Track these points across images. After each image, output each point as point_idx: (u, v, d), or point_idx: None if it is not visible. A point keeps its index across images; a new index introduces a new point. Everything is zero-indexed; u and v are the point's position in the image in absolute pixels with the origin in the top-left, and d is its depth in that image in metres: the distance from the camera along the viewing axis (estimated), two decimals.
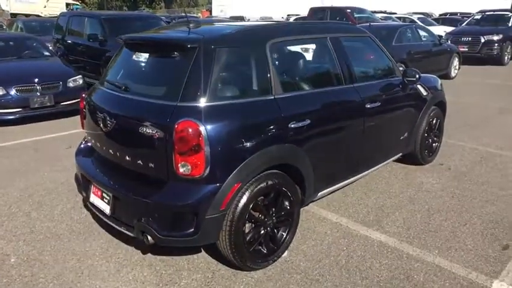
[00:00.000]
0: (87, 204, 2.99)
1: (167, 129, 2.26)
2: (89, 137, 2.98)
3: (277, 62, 2.71)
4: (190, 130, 2.22)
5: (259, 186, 2.48)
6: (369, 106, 3.28)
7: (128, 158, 2.51)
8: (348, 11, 12.91)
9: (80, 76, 6.95)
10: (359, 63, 3.40)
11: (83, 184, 2.95)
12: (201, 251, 2.88)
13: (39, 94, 6.25)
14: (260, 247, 2.63)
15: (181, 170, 2.26)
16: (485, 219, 3.32)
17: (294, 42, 3.00)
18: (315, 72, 3.13)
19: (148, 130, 2.34)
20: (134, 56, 2.81)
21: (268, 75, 2.61)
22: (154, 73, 2.70)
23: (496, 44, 12.43)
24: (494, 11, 14.08)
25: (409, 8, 25.72)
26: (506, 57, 12.75)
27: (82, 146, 3.19)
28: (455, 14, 23.67)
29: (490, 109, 7.20)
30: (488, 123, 6.29)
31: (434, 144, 4.54)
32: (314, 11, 13.83)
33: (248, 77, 2.58)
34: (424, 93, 4.08)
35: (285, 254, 2.82)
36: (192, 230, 2.32)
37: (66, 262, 2.78)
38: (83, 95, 3.11)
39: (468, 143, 5.25)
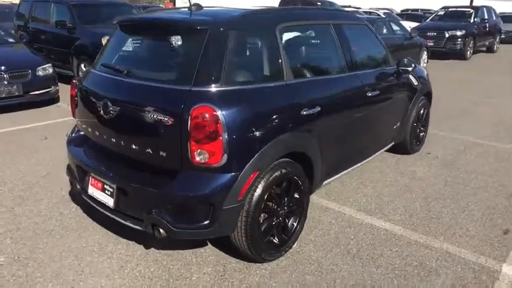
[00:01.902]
0: (83, 197, 2.77)
1: (181, 115, 2.12)
2: (84, 126, 2.76)
3: (286, 47, 2.62)
4: (207, 116, 2.09)
5: (274, 175, 2.39)
6: (370, 94, 3.27)
7: (134, 147, 2.33)
8: (319, 3, 12.98)
9: (50, 65, 6.54)
10: (359, 51, 3.37)
11: (78, 176, 2.74)
12: (207, 244, 2.76)
13: (6, 83, 5.82)
14: (272, 238, 2.55)
15: (197, 158, 2.13)
16: (481, 205, 3.40)
17: (301, 28, 2.91)
18: (322, 59, 3.07)
19: (158, 117, 2.18)
20: (135, 39, 2.63)
21: (280, 60, 2.52)
22: (160, 56, 2.54)
23: (459, 39, 12.95)
24: (456, 7, 14.66)
25: (370, 3, 26.20)
26: (468, 52, 13.31)
27: (74, 135, 2.96)
28: (416, 10, 24.44)
29: (462, 101, 7.46)
30: (464, 114, 6.51)
31: (421, 134, 4.63)
32: (285, 3, 13.79)
33: (260, 61, 2.48)
34: (415, 83, 4.14)
35: (295, 244, 2.76)
36: (208, 221, 2.20)
37: (63, 260, 2.58)
38: (74, 81, 2.88)
39: (449, 133, 5.40)
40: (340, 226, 3.04)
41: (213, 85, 2.18)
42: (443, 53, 13.10)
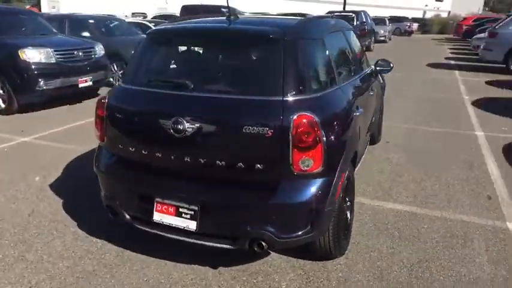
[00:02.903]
0: (136, 227, 2.52)
1: (281, 125, 2.13)
2: (130, 148, 2.47)
3: (332, 54, 2.79)
4: (308, 123, 2.15)
5: (346, 175, 2.54)
6: (371, 93, 3.64)
7: (220, 163, 2.23)
8: (222, 9, 13.21)
9: None
10: (358, 54, 3.72)
11: (131, 203, 2.48)
12: (270, 253, 2.76)
13: None
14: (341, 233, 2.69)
15: (301, 166, 2.16)
16: (457, 179, 4.05)
17: (333, 35, 3.07)
18: (347, 63, 3.29)
19: (253, 129, 2.14)
20: (185, 50, 2.49)
21: (332, 65, 2.68)
22: (231, 68, 2.47)
23: None
24: (340, 12, 16.44)
25: (252, 7, 27.54)
26: None
27: (107, 160, 2.65)
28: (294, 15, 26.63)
29: None
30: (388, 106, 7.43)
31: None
32: (186, 9, 13.72)
33: (322, 67, 2.60)
34: (381, 81, 4.67)
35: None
36: (310, 226, 2.26)
37: None
38: (103, 101, 2.58)
39: (388, 122, 6.14)
40: (369, 215, 3.33)
41: (303, 93, 2.24)
42: None
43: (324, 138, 2.20)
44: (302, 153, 2.16)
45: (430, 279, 2.53)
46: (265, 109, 2.19)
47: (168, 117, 2.28)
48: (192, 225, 2.31)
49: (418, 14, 34.05)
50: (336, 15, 16.05)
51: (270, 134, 2.14)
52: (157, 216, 2.40)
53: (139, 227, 2.51)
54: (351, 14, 15.83)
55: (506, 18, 11.41)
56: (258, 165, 2.20)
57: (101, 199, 2.74)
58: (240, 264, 2.65)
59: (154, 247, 2.75)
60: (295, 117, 2.13)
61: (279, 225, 2.21)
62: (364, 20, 15.87)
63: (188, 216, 2.32)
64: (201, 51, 2.56)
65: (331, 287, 2.45)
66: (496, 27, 11.18)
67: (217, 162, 2.25)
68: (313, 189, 2.22)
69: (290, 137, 2.13)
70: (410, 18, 26.56)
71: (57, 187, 3.78)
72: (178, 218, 2.35)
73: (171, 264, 2.65)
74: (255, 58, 2.39)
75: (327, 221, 2.34)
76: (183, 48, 2.62)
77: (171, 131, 2.28)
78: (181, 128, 2.25)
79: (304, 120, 2.15)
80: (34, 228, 3.08)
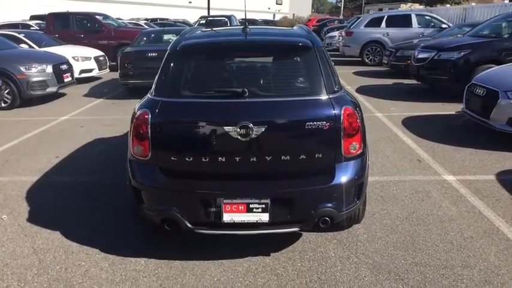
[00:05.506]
0: (197, 232, 2.63)
1: (334, 117, 2.56)
2: (187, 158, 2.55)
3: None
4: (352, 114, 2.63)
5: None
6: None
7: (284, 158, 2.54)
8: (97, 17, 12.46)
9: None
10: None
11: (200, 210, 2.58)
12: (301, 234, 3.16)
13: None
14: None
15: (351, 150, 2.64)
16: (390, 151, 5.05)
17: None
18: None
19: (313, 124, 2.52)
20: (233, 62, 2.69)
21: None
22: (276, 74, 2.74)
23: None
24: (214, 16, 17.06)
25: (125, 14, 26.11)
26: None
27: (157, 173, 2.63)
28: (164, 19, 26.38)
29: None
30: None
31: None
32: (55, 17, 12.48)
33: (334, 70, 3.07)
34: None
35: None
36: (356, 198, 2.76)
37: None
38: (146, 117, 2.58)
39: None
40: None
41: (338, 91, 2.71)
42: None
43: (361, 126, 2.73)
44: (350, 140, 2.64)
45: (425, 224, 3.30)
46: (319, 106, 2.60)
47: (234, 124, 2.49)
48: (264, 217, 2.58)
49: (267, 16, 37.27)
50: (210, 19, 16.70)
51: (328, 126, 2.56)
52: (227, 217, 2.58)
53: (203, 231, 2.63)
54: (224, 18, 16.65)
55: (357, 20, 13.71)
56: (318, 155, 2.60)
57: (145, 215, 2.74)
58: (284, 248, 3.00)
59: (193, 251, 2.95)
60: (343, 110, 2.60)
61: (338, 201, 2.65)
62: (235, 23, 16.87)
63: (260, 210, 2.57)
64: (242, 62, 2.78)
65: (366, 247, 3.01)
66: (351, 27, 13.35)
67: (282, 157, 2.56)
68: (358, 167, 2.72)
69: (341, 126, 2.59)
70: (261, 20, 29.05)
71: (37, 221, 3.42)
72: (250, 214, 2.57)
73: (227, 262, 2.83)
74: (293, 64, 2.76)
75: (364, 192, 2.87)
76: (224, 60, 2.78)
77: (237, 135, 2.49)
78: (248, 132, 2.49)
79: (349, 112, 2.63)
80: (54, 264, 2.83)
